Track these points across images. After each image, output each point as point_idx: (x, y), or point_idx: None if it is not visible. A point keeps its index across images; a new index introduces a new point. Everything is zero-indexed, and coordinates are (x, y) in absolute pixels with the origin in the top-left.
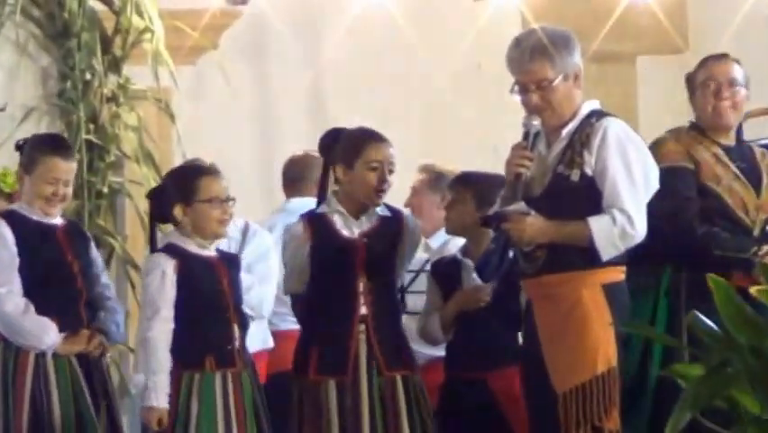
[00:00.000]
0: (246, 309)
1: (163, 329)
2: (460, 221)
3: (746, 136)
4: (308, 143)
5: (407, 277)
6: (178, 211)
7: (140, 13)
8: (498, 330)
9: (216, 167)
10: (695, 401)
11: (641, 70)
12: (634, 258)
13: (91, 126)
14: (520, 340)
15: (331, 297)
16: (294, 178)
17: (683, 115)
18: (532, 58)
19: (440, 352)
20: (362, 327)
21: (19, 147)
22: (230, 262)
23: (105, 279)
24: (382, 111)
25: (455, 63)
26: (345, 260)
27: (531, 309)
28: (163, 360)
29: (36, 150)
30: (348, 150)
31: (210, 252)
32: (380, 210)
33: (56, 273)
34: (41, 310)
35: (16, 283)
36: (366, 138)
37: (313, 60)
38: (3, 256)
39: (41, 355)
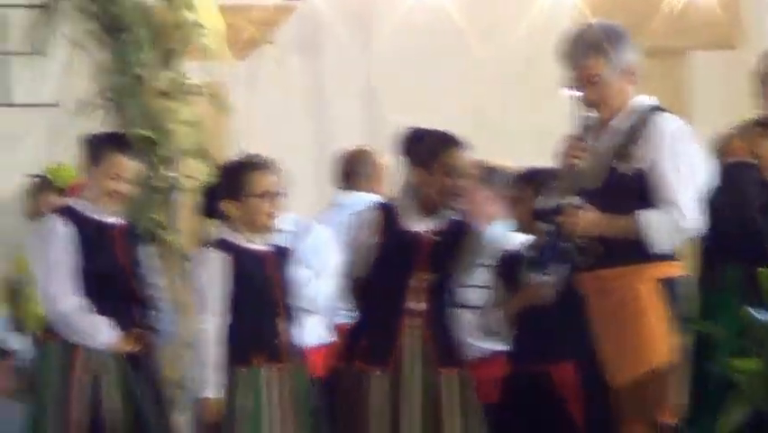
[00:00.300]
0: (303, 304)
1: (215, 323)
2: (525, 219)
3: None
4: (362, 137)
5: None
6: (227, 206)
7: (194, 8)
8: (562, 323)
9: (269, 161)
10: (751, 396)
11: (694, 65)
12: (698, 253)
13: (146, 121)
14: None
15: (388, 288)
16: (346, 172)
17: (735, 110)
18: (585, 53)
19: (499, 346)
20: (417, 321)
21: (85, 141)
22: (282, 255)
23: (156, 279)
24: (434, 104)
25: (506, 58)
26: (409, 253)
27: (585, 304)
28: (216, 353)
29: (104, 146)
30: (428, 153)
31: (261, 245)
32: (451, 213)
33: (111, 273)
34: (95, 309)
35: (71, 281)
36: (447, 143)
37: (366, 54)
38: (58, 254)
39: (94, 353)
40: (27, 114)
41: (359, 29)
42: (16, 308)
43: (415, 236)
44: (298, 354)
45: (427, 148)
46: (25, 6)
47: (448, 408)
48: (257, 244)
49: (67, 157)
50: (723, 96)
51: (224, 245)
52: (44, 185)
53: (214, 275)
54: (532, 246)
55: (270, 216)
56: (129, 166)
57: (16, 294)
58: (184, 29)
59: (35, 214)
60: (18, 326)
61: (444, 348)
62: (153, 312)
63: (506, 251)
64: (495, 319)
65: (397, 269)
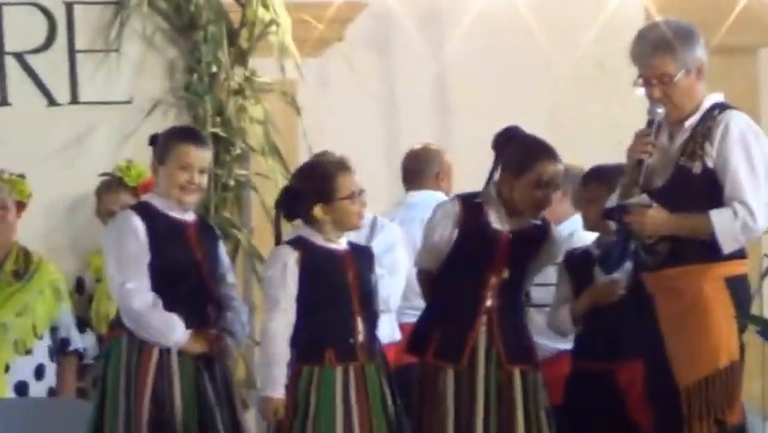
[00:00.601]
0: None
1: (282, 321)
2: (598, 218)
3: None
4: (433, 136)
5: None
6: (318, 211)
7: (266, 6)
8: (627, 323)
9: (346, 160)
10: None
11: (764, 62)
12: None
13: (217, 119)
14: None
15: (463, 283)
16: (413, 171)
17: None
18: (654, 52)
19: (566, 345)
20: (485, 318)
21: (153, 140)
22: (361, 254)
23: (232, 278)
24: (506, 106)
25: (579, 58)
26: (488, 250)
27: (652, 303)
28: (281, 352)
29: (169, 139)
30: (519, 161)
31: (338, 244)
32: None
33: (185, 271)
34: (168, 307)
35: (145, 278)
36: (539, 154)
37: (437, 54)
38: (133, 249)
39: (165, 351)
40: (98, 112)
41: (430, 27)
42: (85, 308)
43: (495, 234)
44: (377, 353)
45: (520, 155)
46: (97, 3)
47: (519, 406)
48: (337, 243)
49: (138, 156)
50: None
51: (297, 243)
52: (115, 184)
53: (283, 273)
54: (601, 245)
55: (360, 215)
56: (197, 155)
57: (86, 293)
58: (258, 27)
59: (106, 213)
60: (85, 325)
61: (515, 346)
62: (229, 313)
63: (574, 249)
64: (563, 318)
65: (476, 265)
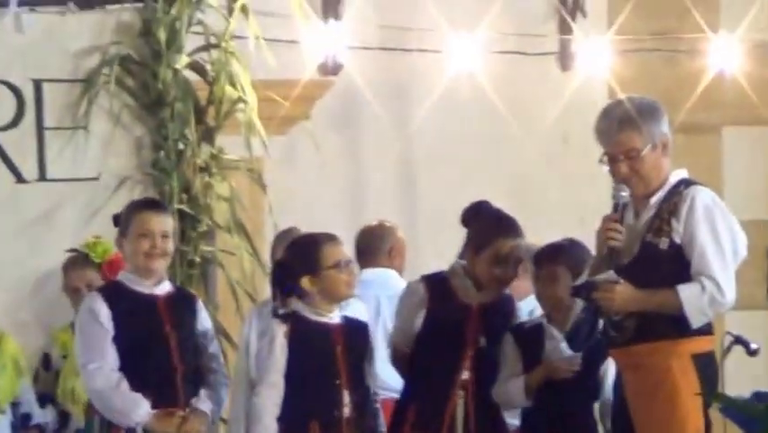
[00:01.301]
0: None
1: (270, 395)
2: (557, 297)
3: None
4: (398, 212)
5: None
6: (306, 283)
7: (233, 84)
8: (576, 399)
9: (333, 234)
10: None
11: (727, 141)
12: None
13: (184, 196)
14: (595, 412)
15: (437, 358)
16: (366, 248)
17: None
18: (620, 128)
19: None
20: (461, 392)
21: (116, 220)
22: (353, 328)
23: (214, 349)
24: (470, 182)
25: (543, 133)
26: (460, 324)
27: (620, 379)
28: (269, 427)
29: (129, 212)
30: (478, 237)
31: (331, 318)
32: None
33: (151, 346)
34: (136, 384)
35: (109, 358)
36: (498, 230)
37: (402, 130)
38: (95, 331)
39: (131, 431)
40: (66, 188)
41: (395, 105)
42: (51, 383)
43: (464, 307)
44: (368, 427)
45: (480, 231)
46: (65, 81)
47: None
48: (327, 318)
49: (105, 232)
50: (755, 170)
51: (286, 317)
52: (81, 260)
53: (271, 346)
54: (576, 323)
55: (349, 284)
56: (157, 221)
57: (53, 369)
58: (225, 105)
59: (72, 289)
60: (48, 400)
61: (492, 421)
62: (203, 390)
63: (523, 322)
64: (516, 390)
65: (449, 340)
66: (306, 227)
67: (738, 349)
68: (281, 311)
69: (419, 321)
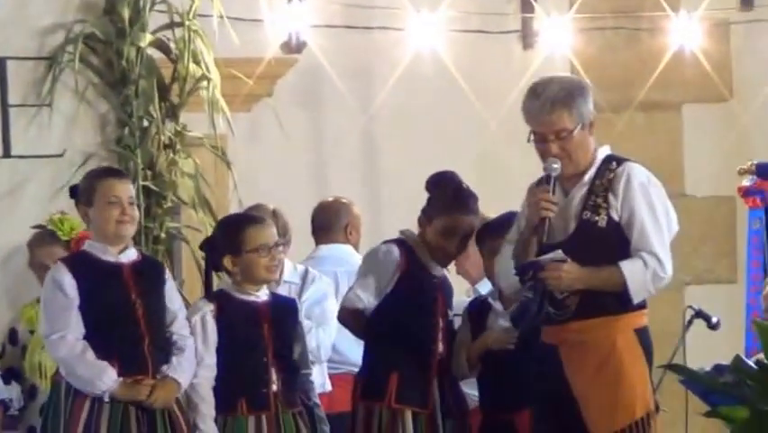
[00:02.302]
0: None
1: (207, 376)
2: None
3: None
4: (360, 187)
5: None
6: (227, 262)
7: (197, 62)
8: (526, 372)
9: (266, 214)
10: None
11: (687, 118)
12: None
13: (148, 173)
14: None
15: (414, 328)
16: (322, 224)
17: (728, 162)
18: (552, 109)
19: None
20: (437, 364)
21: (73, 191)
22: (280, 306)
23: (183, 316)
24: (432, 157)
25: (505, 111)
26: (431, 296)
27: (555, 354)
28: (211, 405)
29: (91, 180)
30: (432, 208)
31: (258, 296)
32: None
33: (119, 314)
34: (102, 353)
35: (72, 327)
36: (451, 204)
37: (365, 107)
38: (58, 301)
39: (97, 400)
40: (30, 165)
41: (358, 83)
42: (18, 358)
43: (435, 279)
44: (297, 402)
45: (435, 202)
46: (30, 58)
47: None
48: (254, 296)
49: (70, 208)
50: (716, 147)
51: (215, 296)
52: (47, 237)
53: (203, 327)
54: (517, 302)
55: (269, 269)
56: (123, 187)
57: (19, 344)
58: (189, 82)
59: (39, 266)
60: (13, 376)
61: (457, 393)
62: (174, 357)
63: (477, 297)
64: (462, 362)
65: (422, 309)
66: (270, 203)
67: (699, 323)
68: (212, 290)
69: (390, 284)
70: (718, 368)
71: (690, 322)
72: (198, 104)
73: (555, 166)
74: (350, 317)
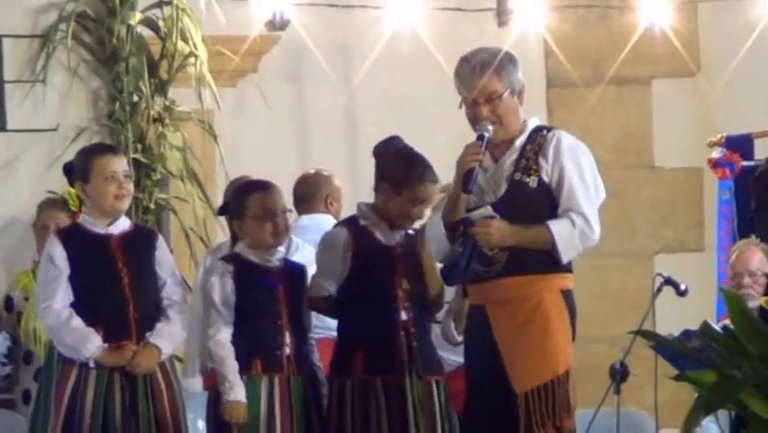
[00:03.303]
0: None
1: (228, 332)
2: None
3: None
4: (343, 162)
5: None
6: (235, 226)
7: (185, 39)
8: None
9: (269, 183)
10: (708, 405)
11: (656, 92)
12: None
13: (139, 146)
14: None
15: (374, 301)
16: (303, 195)
17: (696, 134)
18: (482, 72)
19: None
20: (403, 333)
21: (66, 168)
22: (293, 272)
23: (174, 281)
24: (412, 131)
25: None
26: (387, 266)
27: (482, 313)
28: (233, 364)
29: (87, 156)
30: (400, 177)
31: (270, 262)
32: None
33: (106, 284)
34: (89, 320)
35: (59, 297)
36: (422, 173)
37: (347, 83)
38: (50, 273)
39: (84, 366)
40: (25, 139)
41: (339, 60)
42: (13, 325)
43: (388, 249)
44: (307, 367)
45: (402, 171)
46: (25, 36)
47: (438, 415)
48: (267, 260)
49: (64, 182)
50: (684, 120)
51: (230, 258)
52: (59, 203)
53: (223, 287)
54: (452, 257)
55: (274, 234)
56: (119, 163)
57: (15, 310)
58: (177, 59)
59: (41, 227)
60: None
61: (430, 358)
62: (159, 324)
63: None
64: (449, 329)
65: (380, 282)
66: (254, 175)
67: (668, 290)
68: (228, 253)
69: (346, 265)
70: (687, 333)
71: (659, 289)
72: (186, 80)
73: (489, 127)
74: (319, 304)
